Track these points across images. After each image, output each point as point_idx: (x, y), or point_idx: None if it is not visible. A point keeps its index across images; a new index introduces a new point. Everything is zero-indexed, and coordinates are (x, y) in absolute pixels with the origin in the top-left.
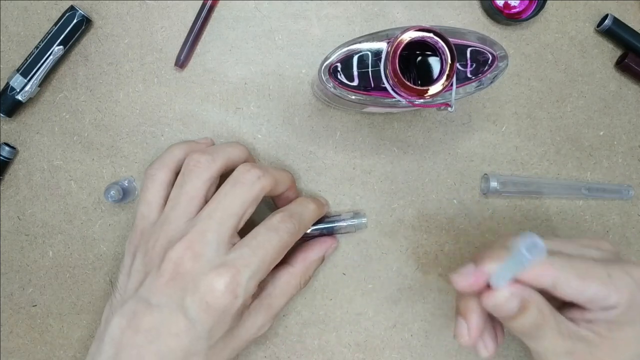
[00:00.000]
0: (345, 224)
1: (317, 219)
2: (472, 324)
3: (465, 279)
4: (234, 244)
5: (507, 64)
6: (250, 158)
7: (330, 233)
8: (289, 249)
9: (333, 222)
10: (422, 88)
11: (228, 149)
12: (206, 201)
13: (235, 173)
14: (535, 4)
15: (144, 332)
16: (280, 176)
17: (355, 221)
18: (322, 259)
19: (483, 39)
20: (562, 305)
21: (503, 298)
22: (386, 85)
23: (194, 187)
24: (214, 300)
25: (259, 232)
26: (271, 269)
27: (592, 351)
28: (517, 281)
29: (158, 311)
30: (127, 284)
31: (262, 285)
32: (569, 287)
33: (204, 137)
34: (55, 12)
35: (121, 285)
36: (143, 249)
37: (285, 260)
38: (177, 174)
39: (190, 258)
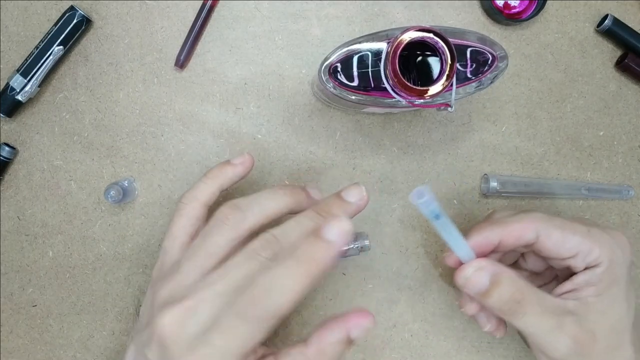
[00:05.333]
0: (350, 246)
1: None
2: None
3: (451, 256)
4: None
5: (507, 64)
6: (297, 206)
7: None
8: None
9: None
10: (422, 88)
11: (266, 204)
12: (227, 258)
13: (249, 246)
14: (535, 4)
15: None
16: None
17: (358, 244)
18: (349, 341)
19: (483, 39)
20: (550, 282)
21: (470, 271)
22: (386, 85)
23: (215, 244)
24: None
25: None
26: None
27: (581, 321)
28: (498, 247)
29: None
30: (144, 315)
31: (266, 353)
32: (551, 238)
33: (242, 155)
34: (55, 12)
35: (141, 314)
36: (153, 290)
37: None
38: (209, 207)
39: (176, 326)
